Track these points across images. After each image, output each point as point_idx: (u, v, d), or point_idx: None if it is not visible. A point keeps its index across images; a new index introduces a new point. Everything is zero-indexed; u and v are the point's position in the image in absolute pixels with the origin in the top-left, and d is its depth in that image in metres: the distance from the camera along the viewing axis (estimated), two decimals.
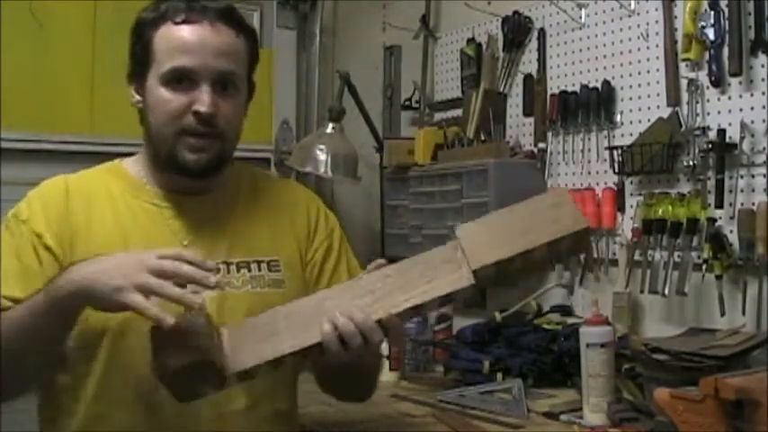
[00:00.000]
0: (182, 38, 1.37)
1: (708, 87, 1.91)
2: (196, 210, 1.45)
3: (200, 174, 1.41)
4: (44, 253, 1.38)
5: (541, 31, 2.36)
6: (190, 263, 1.21)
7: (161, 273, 1.20)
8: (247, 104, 1.48)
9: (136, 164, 1.49)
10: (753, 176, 1.83)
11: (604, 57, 2.18)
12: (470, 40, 2.60)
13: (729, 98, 1.88)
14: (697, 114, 1.93)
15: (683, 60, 1.95)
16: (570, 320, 2.15)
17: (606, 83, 2.16)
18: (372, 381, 1.59)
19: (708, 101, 1.92)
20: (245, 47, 1.43)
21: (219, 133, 1.39)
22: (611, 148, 2.11)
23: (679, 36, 1.97)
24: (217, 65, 1.37)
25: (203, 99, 1.36)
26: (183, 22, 1.38)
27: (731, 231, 1.85)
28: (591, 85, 2.19)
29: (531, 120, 2.37)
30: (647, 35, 2.06)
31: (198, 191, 1.46)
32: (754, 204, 1.81)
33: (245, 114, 1.47)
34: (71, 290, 1.22)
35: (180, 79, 1.37)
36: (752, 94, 1.84)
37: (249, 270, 1.44)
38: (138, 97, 1.43)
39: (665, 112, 2.00)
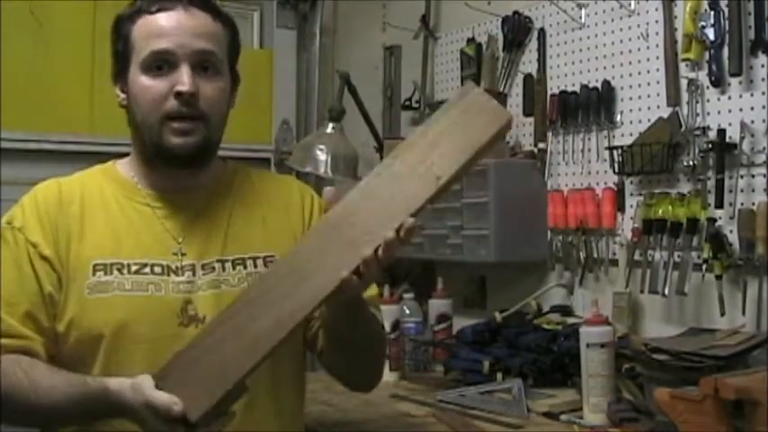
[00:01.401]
0: (158, 24, 1.39)
1: (708, 87, 1.92)
2: (189, 208, 1.44)
3: (187, 159, 1.40)
4: (40, 263, 1.37)
5: (541, 31, 2.37)
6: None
7: None
8: (233, 94, 1.48)
9: (127, 165, 1.49)
10: (753, 176, 1.83)
11: (604, 57, 2.18)
12: (470, 40, 2.60)
13: (729, 98, 1.88)
14: (697, 114, 1.93)
15: (683, 60, 1.95)
16: (570, 320, 2.15)
17: (606, 83, 2.16)
18: (380, 356, 1.58)
19: (708, 101, 1.92)
20: (223, 32, 1.44)
21: (203, 115, 1.39)
22: (611, 148, 2.11)
23: (679, 36, 1.97)
24: (194, 45, 1.38)
25: (183, 80, 1.36)
26: (158, 10, 1.39)
27: (731, 231, 1.85)
28: (591, 85, 2.19)
29: (531, 120, 2.37)
30: (647, 35, 2.06)
31: (189, 187, 1.45)
32: (754, 204, 1.81)
33: (231, 104, 1.47)
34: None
35: (160, 65, 1.38)
36: (752, 94, 1.84)
37: (245, 267, 1.43)
38: (123, 95, 1.44)
39: (665, 112, 2.00)
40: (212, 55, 1.40)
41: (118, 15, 1.44)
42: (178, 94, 1.36)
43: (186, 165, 1.42)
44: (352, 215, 1.24)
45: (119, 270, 1.37)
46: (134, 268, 1.37)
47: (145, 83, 1.38)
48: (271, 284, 1.24)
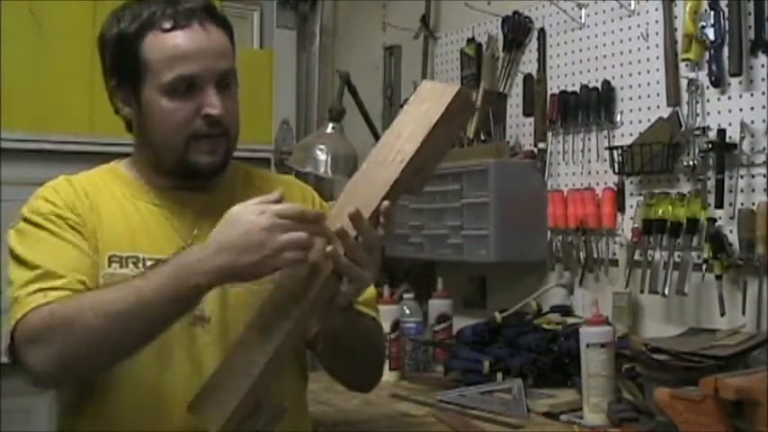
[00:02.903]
0: (178, 46, 1.36)
1: (708, 87, 1.91)
2: (194, 209, 1.45)
3: (213, 174, 1.43)
4: (77, 235, 1.35)
5: (541, 31, 2.36)
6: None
7: (288, 227, 1.19)
8: None
9: (131, 167, 1.49)
10: (753, 176, 1.83)
11: (604, 57, 2.18)
12: (470, 40, 2.60)
13: (729, 98, 1.88)
14: (697, 114, 1.93)
15: (683, 60, 1.95)
16: (570, 320, 2.15)
17: (606, 83, 2.16)
18: (379, 359, 1.58)
19: (708, 101, 1.92)
20: (229, 39, 1.44)
21: (226, 131, 1.40)
22: (611, 148, 2.11)
23: (679, 36, 1.97)
24: (218, 66, 1.37)
25: (213, 102, 1.36)
26: (173, 28, 1.36)
27: (731, 231, 1.85)
28: (591, 85, 2.19)
29: (531, 120, 2.37)
30: (647, 35, 2.06)
31: (195, 189, 1.46)
32: (754, 204, 1.81)
33: None
34: (209, 281, 1.21)
35: (184, 87, 1.36)
36: (752, 94, 1.84)
37: None
38: (127, 109, 1.43)
39: (665, 112, 2.00)
40: (232, 73, 1.41)
41: (121, 30, 1.39)
42: (207, 116, 1.36)
43: (209, 179, 1.43)
44: (335, 220, 1.25)
45: (134, 264, 1.37)
46: (149, 264, 1.37)
47: (169, 106, 1.36)
48: (272, 295, 1.28)
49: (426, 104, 1.32)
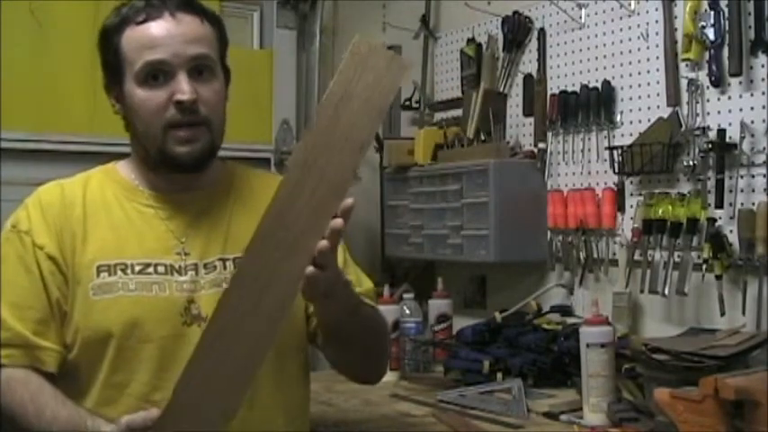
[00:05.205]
0: (148, 35, 1.38)
1: (708, 87, 1.92)
2: (190, 208, 1.45)
3: (193, 165, 1.40)
4: (47, 264, 1.37)
5: (541, 31, 2.37)
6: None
7: None
8: (227, 90, 1.48)
9: (128, 167, 1.49)
10: (753, 176, 1.83)
11: (604, 57, 2.18)
12: (470, 40, 2.60)
13: (729, 98, 1.89)
14: (697, 114, 1.93)
15: (683, 60, 1.95)
16: (570, 320, 2.15)
17: (606, 83, 2.16)
18: (382, 348, 1.59)
19: (708, 101, 1.92)
20: (212, 32, 1.44)
21: (204, 120, 1.39)
22: (611, 148, 2.11)
23: (679, 36, 1.97)
24: (188, 51, 1.37)
25: (182, 88, 1.36)
26: (145, 20, 1.38)
27: (731, 231, 1.85)
28: (591, 85, 2.19)
29: (531, 120, 2.37)
30: (647, 35, 2.06)
31: (189, 188, 1.46)
32: (754, 204, 1.82)
33: (226, 100, 1.47)
34: None
35: (155, 75, 1.37)
36: (752, 94, 1.84)
37: None
38: (118, 105, 1.44)
39: (665, 112, 2.00)
40: (206, 58, 1.40)
41: (104, 26, 1.43)
42: (178, 103, 1.36)
43: (191, 171, 1.42)
44: (285, 217, 1.22)
45: (122, 270, 1.38)
46: (138, 268, 1.38)
47: (142, 95, 1.38)
48: (236, 302, 1.21)
49: (371, 75, 1.25)
